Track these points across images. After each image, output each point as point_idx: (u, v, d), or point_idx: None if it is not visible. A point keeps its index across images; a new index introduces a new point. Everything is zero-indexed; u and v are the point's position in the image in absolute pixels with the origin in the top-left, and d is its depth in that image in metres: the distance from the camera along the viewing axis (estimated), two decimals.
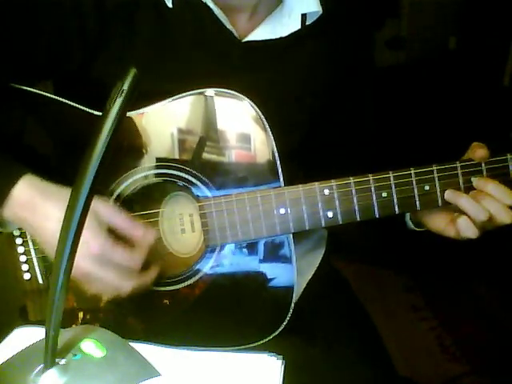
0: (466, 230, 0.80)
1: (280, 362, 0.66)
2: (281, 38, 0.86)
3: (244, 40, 0.86)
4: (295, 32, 0.86)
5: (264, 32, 0.86)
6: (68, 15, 0.80)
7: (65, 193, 0.74)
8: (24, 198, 0.74)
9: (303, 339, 0.90)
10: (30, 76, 0.83)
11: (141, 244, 0.78)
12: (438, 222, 0.85)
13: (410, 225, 0.93)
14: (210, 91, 0.79)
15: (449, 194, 0.81)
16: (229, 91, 0.79)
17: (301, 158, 0.91)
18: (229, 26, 0.84)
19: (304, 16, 0.85)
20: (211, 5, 0.82)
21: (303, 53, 0.89)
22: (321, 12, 0.85)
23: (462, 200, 0.80)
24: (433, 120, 2.67)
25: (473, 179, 0.81)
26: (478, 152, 0.81)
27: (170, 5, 0.82)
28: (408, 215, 0.93)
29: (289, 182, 0.81)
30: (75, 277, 0.75)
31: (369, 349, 0.93)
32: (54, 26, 0.80)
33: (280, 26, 0.86)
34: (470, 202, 0.79)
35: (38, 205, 0.74)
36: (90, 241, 0.73)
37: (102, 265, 0.74)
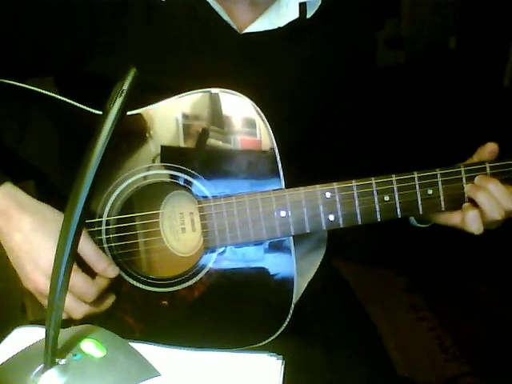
0: (473, 223, 0.80)
1: (280, 361, 0.65)
2: (280, 28, 0.85)
3: (243, 32, 0.85)
4: (295, 25, 0.85)
5: (262, 24, 0.85)
6: (57, 13, 0.80)
7: (40, 208, 0.76)
8: (1, 206, 0.75)
9: (303, 339, 0.89)
10: (20, 74, 0.82)
11: (102, 277, 0.79)
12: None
13: (413, 221, 0.92)
14: (212, 91, 0.79)
15: (468, 188, 0.80)
16: (231, 91, 0.78)
17: (302, 160, 0.91)
18: (226, 18, 0.83)
19: (304, 8, 0.85)
20: None
21: (303, 47, 0.89)
22: (319, 2, 0.85)
23: (480, 195, 0.79)
24: (432, 120, 2.67)
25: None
26: (489, 146, 0.81)
27: None
28: None
29: (291, 184, 0.81)
30: (28, 288, 0.77)
31: (369, 349, 0.93)
32: (43, 24, 0.80)
33: (278, 16, 0.85)
34: (489, 199, 0.78)
35: (14, 216, 0.75)
36: (52, 258, 0.72)
37: None
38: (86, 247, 0.78)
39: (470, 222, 0.80)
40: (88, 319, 0.78)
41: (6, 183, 0.75)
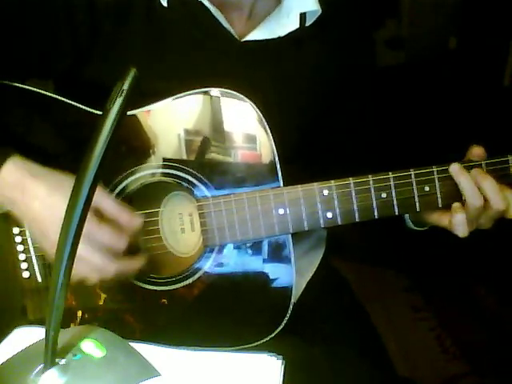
0: (459, 225, 0.79)
1: (280, 361, 0.66)
2: (280, 38, 0.86)
3: (243, 40, 0.86)
4: (295, 33, 0.86)
5: (263, 32, 0.86)
6: (59, 15, 0.80)
7: (52, 174, 0.76)
8: (13, 178, 0.74)
9: (303, 339, 0.89)
10: (21, 75, 0.83)
11: (127, 228, 0.77)
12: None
13: (410, 223, 0.93)
14: (212, 91, 0.79)
15: (454, 168, 0.79)
16: (231, 92, 0.78)
17: (301, 160, 0.91)
18: (226, 25, 0.84)
19: (303, 17, 0.85)
20: (206, 3, 0.81)
21: (303, 54, 0.89)
22: (320, 12, 0.85)
23: (463, 178, 0.78)
24: (432, 120, 2.67)
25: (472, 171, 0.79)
26: (475, 150, 0.81)
27: (165, 4, 0.82)
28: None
29: (289, 183, 0.81)
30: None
31: (369, 349, 0.93)
32: (44, 26, 0.81)
33: (278, 26, 0.86)
34: (470, 183, 0.78)
35: (27, 185, 0.74)
36: None
37: (85, 243, 0.72)
38: (106, 202, 0.76)
39: (457, 223, 0.79)
40: (95, 315, 0.77)
41: (13, 156, 0.75)
